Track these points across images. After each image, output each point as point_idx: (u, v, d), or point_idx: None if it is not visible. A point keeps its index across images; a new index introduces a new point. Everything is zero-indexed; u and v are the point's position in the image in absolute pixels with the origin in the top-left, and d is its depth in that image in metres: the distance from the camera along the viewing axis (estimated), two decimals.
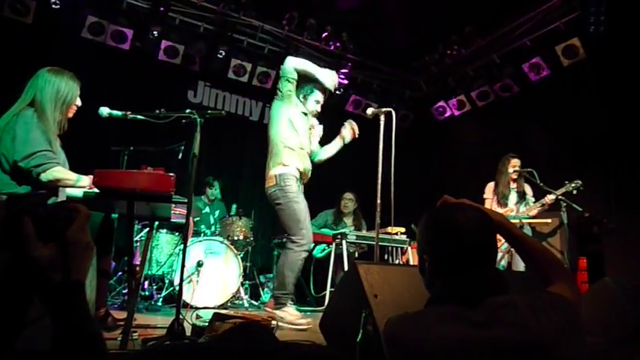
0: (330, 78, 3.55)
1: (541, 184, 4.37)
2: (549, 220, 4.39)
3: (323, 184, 3.63)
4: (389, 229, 4.50)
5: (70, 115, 2.62)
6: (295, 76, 3.49)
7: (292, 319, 3.14)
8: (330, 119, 4.00)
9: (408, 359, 1.00)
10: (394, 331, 1.06)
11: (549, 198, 4.26)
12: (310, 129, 3.64)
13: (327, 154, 3.79)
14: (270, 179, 3.41)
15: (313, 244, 5.22)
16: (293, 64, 3.49)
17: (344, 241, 4.59)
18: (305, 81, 3.60)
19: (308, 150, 3.58)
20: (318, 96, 3.69)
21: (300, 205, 3.33)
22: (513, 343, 0.95)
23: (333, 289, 4.41)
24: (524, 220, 4.41)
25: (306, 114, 3.60)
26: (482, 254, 1.11)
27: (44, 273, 0.75)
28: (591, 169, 4.87)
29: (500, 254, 3.96)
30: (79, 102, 2.64)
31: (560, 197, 4.20)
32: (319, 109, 3.72)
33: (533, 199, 4.54)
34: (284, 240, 3.48)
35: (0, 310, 0.78)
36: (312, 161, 3.66)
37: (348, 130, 3.72)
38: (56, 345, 0.73)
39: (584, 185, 4.23)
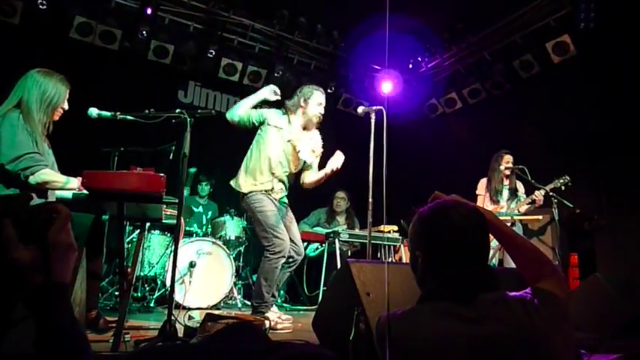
0: (268, 91, 3.45)
1: (532, 181, 4.40)
2: (540, 217, 4.43)
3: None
4: (381, 228, 4.51)
5: (56, 117, 2.59)
6: (247, 121, 3.40)
7: (274, 324, 3.08)
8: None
9: (400, 356, 1.00)
10: (386, 328, 1.06)
11: (538, 194, 4.28)
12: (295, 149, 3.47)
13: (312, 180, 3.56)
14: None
15: (306, 243, 5.24)
16: (231, 117, 3.39)
17: (337, 240, 4.60)
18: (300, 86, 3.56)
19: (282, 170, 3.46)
20: (319, 97, 3.51)
21: (267, 213, 3.25)
22: (505, 339, 0.96)
23: (325, 288, 4.41)
24: (515, 217, 4.44)
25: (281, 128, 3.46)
26: (475, 251, 1.12)
27: (25, 275, 0.74)
28: (582, 166, 4.90)
29: (491, 251, 3.98)
30: (66, 105, 2.61)
31: (551, 194, 4.23)
32: (322, 112, 3.52)
33: (524, 196, 4.56)
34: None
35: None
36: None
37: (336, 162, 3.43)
38: (39, 347, 0.72)
39: (575, 181, 4.26)
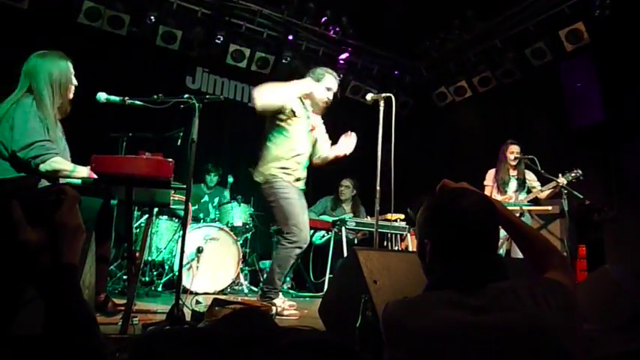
0: (307, 86, 3.36)
1: (542, 171, 4.37)
2: (550, 208, 4.40)
3: (322, 170, 3.59)
4: (388, 216, 4.51)
5: (70, 95, 2.59)
6: (272, 111, 3.26)
7: (281, 310, 3.11)
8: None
9: (406, 343, 0.99)
10: (392, 315, 1.06)
11: (561, 180, 4.22)
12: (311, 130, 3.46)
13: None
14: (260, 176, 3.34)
15: (312, 231, 5.25)
16: (258, 104, 3.24)
17: (343, 228, 4.61)
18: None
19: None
20: (329, 82, 3.45)
21: (292, 201, 3.22)
22: (512, 329, 0.95)
23: (332, 276, 4.43)
24: (524, 208, 4.42)
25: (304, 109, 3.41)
26: (484, 240, 1.11)
27: (34, 257, 0.74)
28: (592, 156, 4.85)
29: (500, 241, 3.97)
30: (74, 81, 2.61)
31: (561, 184, 4.20)
32: (331, 98, 3.48)
33: (538, 184, 4.53)
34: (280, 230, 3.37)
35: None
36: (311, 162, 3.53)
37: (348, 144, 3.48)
38: (48, 327, 0.72)
39: (585, 172, 4.22)
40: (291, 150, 3.32)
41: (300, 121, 3.35)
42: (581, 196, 4.16)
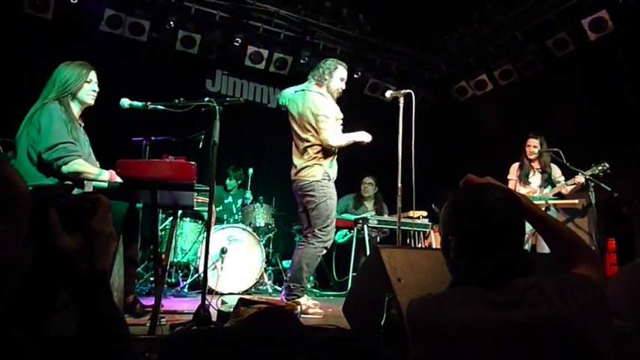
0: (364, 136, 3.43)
1: (567, 164, 4.27)
2: (577, 201, 4.30)
3: (343, 168, 3.59)
4: (410, 213, 4.47)
5: (91, 101, 2.65)
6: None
7: (305, 308, 3.14)
8: (347, 104, 3.95)
9: (431, 341, 0.98)
10: (416, 312, 1.05)
11: (579, 177, 4.14)
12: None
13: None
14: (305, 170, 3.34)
15: (335, 229, 5.25)
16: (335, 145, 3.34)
17: (365, 226, 4.59)
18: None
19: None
20: (342, 72, 3.51)
21: (332, 203, 3.32)
22: (539, 325, 0.93)
23: (355, 274, 4.43)
24: (550, 202, 4.33)
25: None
26: (510, 235, 1.09)
27: (70, 262, 0.77)
28: (620, 148, 4.71)
29: (525, 236, 3.90)
30: (95, 87, 2.67)
31: (588, 177, 4.10)
32: (343, 87, 3.54)
33: (562, 178, 4.44)
34: (305, 230, 3.41)
35: (29, 297, 0.80)
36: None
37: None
38: (82, 331, 0.75)
39: (612, 164, 4.11)
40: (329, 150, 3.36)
41: (337, 123, 3.42)
42: (610, 189, 4.05)
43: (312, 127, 3.32)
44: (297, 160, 3.39)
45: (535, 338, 0.93)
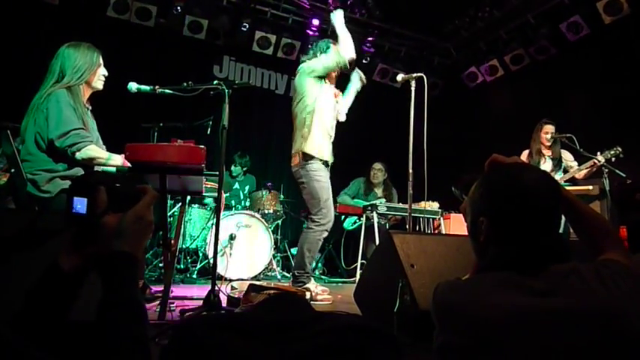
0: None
1: (581, 150, 4.20)
2: (590, 187, 4.23)
3: (353, 153, 3.56)
4: (421, 204, 4.40)
5: (100, 86, 2.62)
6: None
7: (315, 295, 3.13)
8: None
9: (463, 328, 0.94)
10: (445, 298, 1.00)
11: (599, 159, 4.06)
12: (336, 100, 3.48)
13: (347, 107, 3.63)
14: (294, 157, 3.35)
15: (343, 217, 5.23)
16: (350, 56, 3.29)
17: (374, 213, 4.56)
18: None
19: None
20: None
21: (324, 185, 3.26)
22: (579, 312, 0.89)
23: (364, 261, 4.41)
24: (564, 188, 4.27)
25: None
26: (547, 218, 1.03)
27: (106, 239, 0.81)
28: (634, 133, 4.62)
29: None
30: (104, 71, 2.63)
31: (601, 163, 4.03)
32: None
33: (575, 163, 4.37)
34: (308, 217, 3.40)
35: (57, 284, 0.82)
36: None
37: (358, 80, 3.59)
38: (101, 309, 0.76)
39: (626, 150, 4.03)
40: (323, 125, 3.32)
41: (328, 97, 3.38)
42: (624, 175, 3.98)
43: (297, 110, 3.33)
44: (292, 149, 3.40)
45: (576, 326, 0.88)
